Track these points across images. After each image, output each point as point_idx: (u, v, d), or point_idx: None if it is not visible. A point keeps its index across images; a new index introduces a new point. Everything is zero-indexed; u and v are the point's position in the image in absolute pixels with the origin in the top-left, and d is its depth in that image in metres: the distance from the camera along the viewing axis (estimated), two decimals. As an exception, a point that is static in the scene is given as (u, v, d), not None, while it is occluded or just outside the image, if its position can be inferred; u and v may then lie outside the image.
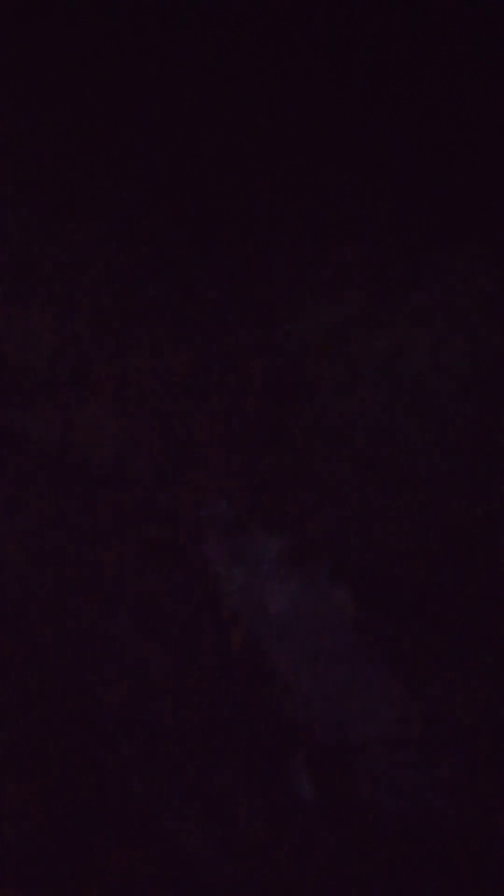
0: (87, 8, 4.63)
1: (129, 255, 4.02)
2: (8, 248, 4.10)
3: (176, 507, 2.97)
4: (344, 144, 4.22)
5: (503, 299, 3.83)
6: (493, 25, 4.40)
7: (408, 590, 2.84)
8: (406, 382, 3.64)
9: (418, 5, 4.43)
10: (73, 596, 2.60)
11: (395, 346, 3.74)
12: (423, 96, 4.30)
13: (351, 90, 4.34)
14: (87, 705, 2.35)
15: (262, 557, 2.50)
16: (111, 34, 4.63)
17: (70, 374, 3.66)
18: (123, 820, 2.11)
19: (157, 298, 3.86)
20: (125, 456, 3.35)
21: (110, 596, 2.55)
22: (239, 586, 2.40)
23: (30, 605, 2.52)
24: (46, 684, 2.37)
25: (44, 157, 4.42)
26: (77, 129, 4.43)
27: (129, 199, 4.19)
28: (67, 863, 2.07)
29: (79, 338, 3.76)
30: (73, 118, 4.47)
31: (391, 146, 4.22)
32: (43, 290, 3.95)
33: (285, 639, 2.32)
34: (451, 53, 4.36)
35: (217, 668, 2.29)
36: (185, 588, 2.44)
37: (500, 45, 4.35)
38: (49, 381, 3.64)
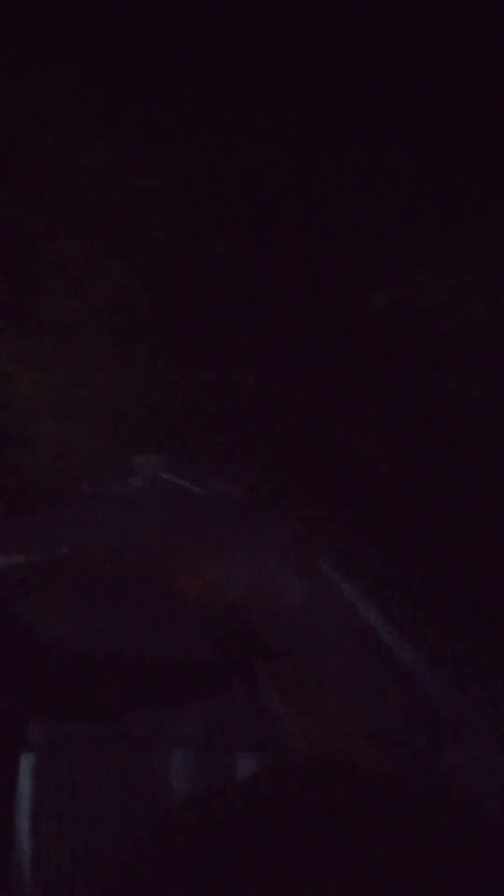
0: (86, 9, 4.62)
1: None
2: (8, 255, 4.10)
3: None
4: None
5: None
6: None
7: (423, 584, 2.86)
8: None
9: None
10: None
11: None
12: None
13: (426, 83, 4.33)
14: None
15: (272, 547, 2.50)
16: (111, 35, 4.63)
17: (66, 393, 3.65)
18: None
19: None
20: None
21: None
22: (249, 575, 2.41)
23: None
24: None
25: (46, 155, 4.42)
26: (82, 136, 4.42)
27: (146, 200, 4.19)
28: None
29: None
30: (76, 119, 4.47)
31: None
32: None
33: (294, 628, 2.33)
34: None
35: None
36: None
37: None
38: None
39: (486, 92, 4.42)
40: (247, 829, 1.88)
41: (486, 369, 3.68)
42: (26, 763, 2.17)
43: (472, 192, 4.17)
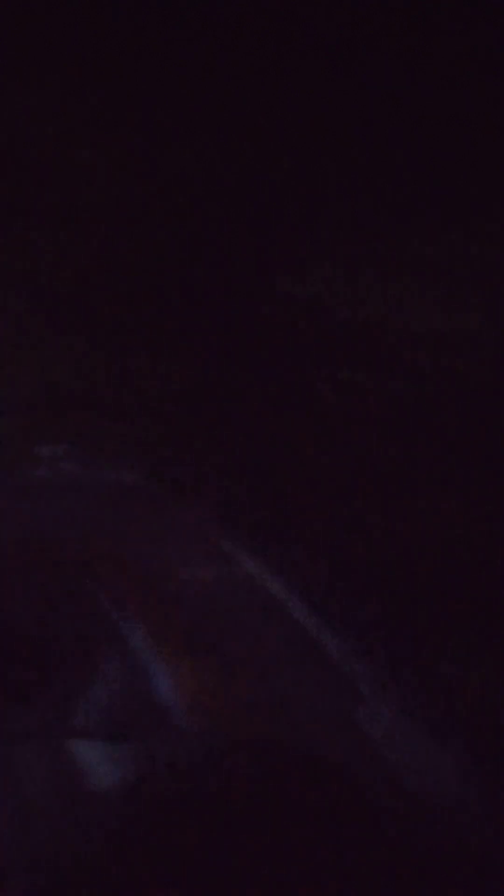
0: (87, 11, 4.63)
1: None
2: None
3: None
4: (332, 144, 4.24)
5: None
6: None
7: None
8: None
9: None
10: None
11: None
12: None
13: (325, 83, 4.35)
14: None
15: (182, 530, 2.51)
16: (111, 35, 4.64)
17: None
18: None
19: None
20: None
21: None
22: (146, 554, 2.41)
23: None
24: None
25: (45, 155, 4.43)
26: (81, 136, 4.43)
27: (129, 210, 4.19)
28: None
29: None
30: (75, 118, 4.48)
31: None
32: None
33: (194, 604, 2.33)
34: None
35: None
36: None
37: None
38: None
39: (485, 92, 4.41)
40: (168, 814, 1.88)
41: (384, 363, 3.71)
42: None
43: (387, 188, 4.19)
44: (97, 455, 2.83)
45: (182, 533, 2.47)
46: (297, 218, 4.10)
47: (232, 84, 4.40)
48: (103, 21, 4.63)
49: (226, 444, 3.41)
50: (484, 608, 2.93)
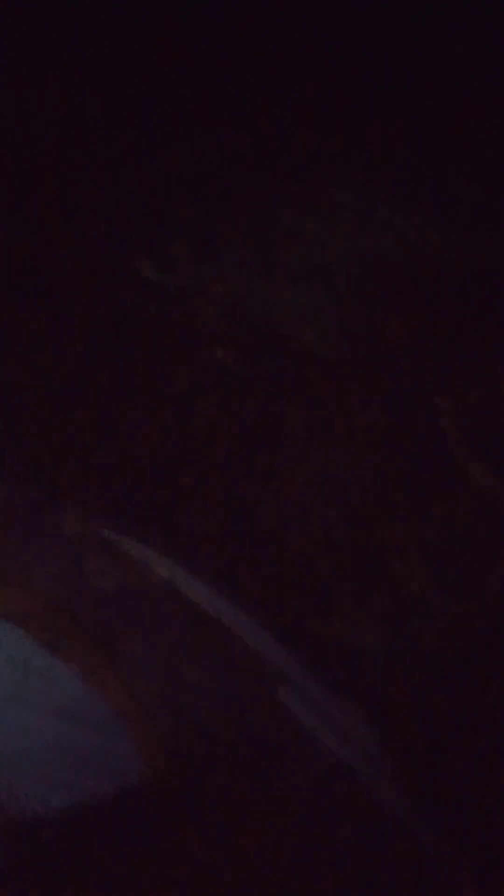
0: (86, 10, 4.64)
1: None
2: None
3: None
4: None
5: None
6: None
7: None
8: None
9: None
10: None
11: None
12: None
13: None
14: None
15: (72, 537, 2.49)
16: (111, 36, 4.64)
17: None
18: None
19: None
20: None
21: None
22: (53, 562, 2.39)
23: None
24: None
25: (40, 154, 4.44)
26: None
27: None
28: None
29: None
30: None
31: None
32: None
33: (108, 614, 2.32)
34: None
35: None
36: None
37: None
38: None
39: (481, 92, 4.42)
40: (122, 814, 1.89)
41: (247, 344, 3.72)
42: None
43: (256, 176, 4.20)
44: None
45: (79, 541, 2.46)
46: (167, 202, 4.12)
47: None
48: (103, 21, 4.64)
49: (95, 440, 3.39)
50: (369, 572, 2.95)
